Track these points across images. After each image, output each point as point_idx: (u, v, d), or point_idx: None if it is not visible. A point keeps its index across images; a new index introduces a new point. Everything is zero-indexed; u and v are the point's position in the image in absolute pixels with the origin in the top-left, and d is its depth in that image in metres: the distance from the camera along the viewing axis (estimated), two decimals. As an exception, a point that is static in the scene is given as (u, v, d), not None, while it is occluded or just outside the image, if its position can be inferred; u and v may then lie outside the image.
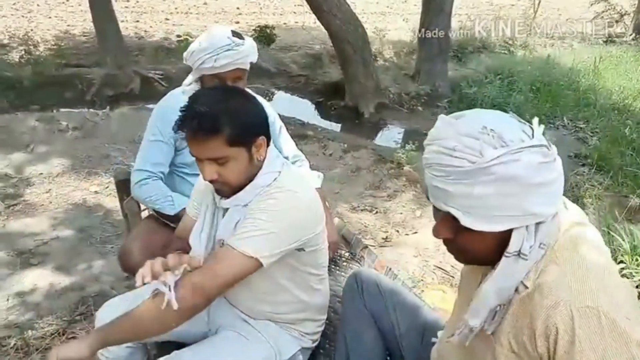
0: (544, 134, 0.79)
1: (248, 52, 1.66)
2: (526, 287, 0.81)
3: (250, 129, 1.17)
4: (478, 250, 0.83)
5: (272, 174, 1.22)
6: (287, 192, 1.19)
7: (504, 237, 0.79)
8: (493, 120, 0.78)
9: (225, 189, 1.19)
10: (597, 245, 0.83)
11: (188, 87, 1.73)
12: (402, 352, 1.23)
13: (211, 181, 1.16)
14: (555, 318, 0.74)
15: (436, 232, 0.85)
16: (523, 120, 0.80)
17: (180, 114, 1.12)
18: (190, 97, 1.17)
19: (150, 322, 1.09)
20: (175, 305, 1.05)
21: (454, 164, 0.76)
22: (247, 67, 1.69)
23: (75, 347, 1.04)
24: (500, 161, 0.73)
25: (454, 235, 0.83)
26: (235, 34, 1.68)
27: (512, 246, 0.79)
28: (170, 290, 1.07)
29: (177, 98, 1.71)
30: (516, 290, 0.82)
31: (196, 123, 1.09)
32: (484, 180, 0.74)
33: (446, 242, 0.86)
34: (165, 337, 1.36)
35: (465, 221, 0.78)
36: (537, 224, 0.78)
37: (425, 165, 0.82)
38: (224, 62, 1.62)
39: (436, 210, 0.84)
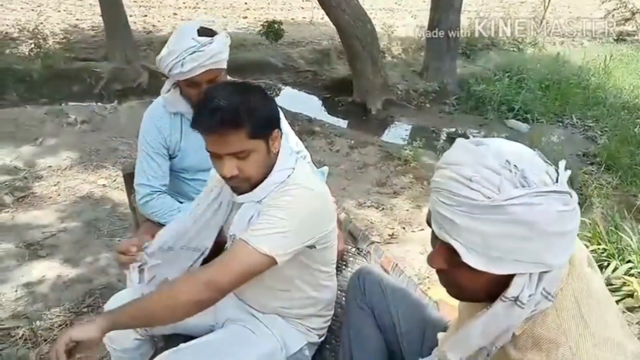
0: (567, 176, 0.73)
1: (217, 51, 1.54)
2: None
3: (268, 122, 1.17)
4: (470, 288, 0.78)
5: (287, 170, 1.22)
6: (303, 189, 1.18)
7: (501, 280, 0.73)
8: (517, 155, 0.71)
9: (244, 185, 1.19)
10: (600, 297, 0.77)
11: (167, 95, 1.69)
12: (403, 352, 1.22)
13: (230, 178, 1.15)
14: None
15: (431, 262, 0.79)
16: (548, 161, 0.74)
17: (196, 110, 1.12)
18: (204, 94, 1.16)
19: (160, 311, 1.09)
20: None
21: (468, 195, 0.70)
22: (221, 65, 1.58)
23: (86, 328, 1.05)
24: (519, 202, 0.67)
25: (449, 267, 0.77)
26: (203, 31, 1.57)
27: (511, 291, 0.73)
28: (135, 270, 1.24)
29: (160, 109, 1.71)
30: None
31: (218, 118, 1.08)
32: (496, 219, 0.68)
33: (439, 272, 0.81)
34: (172, 330, 1.38)
35: (468, 258, 0.71)
36: (542, 272, 0.72)
37: (434, 190, 0.75)
38: (190, 67, 1.53)
39: (434, 237, 0.78)
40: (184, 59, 1.53)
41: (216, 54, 1.54)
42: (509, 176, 0.68)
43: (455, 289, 0.81)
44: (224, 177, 1.16)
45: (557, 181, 0.70)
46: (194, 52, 1.52)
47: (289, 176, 1.21)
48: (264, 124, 1.15)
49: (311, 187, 1.20)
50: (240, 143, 1.12)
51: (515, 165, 0.69)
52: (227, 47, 1.62)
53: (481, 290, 0.76)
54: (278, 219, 1.12)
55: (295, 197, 1.16)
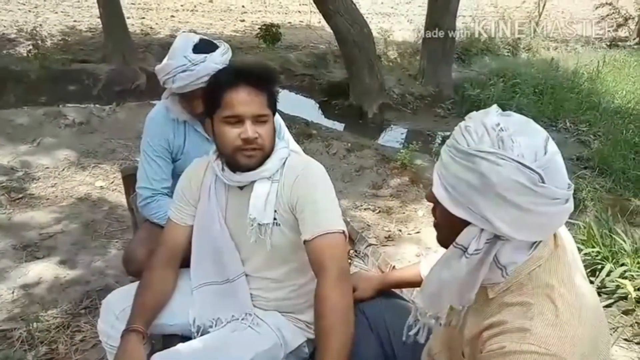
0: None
1: (210, 70, 1.51)
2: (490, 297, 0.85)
3: (276, 99, 1.27)
4: (444, 227, 0.88)
5: (285, 149, 1.30)
6: (311, 162, 1.31)
7: (461, 229, 0.82)
8: (515, 126, 0.78)
9: (258, 155, 1.23)
10: (581, 289, 0.82)
11: (167, 100, 1.72)
12: (395, 353, 1.23)
13: (252, 141, 1.20)
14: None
15: (427, 194, 0.90)
16: (552, 150, 0.78)
17: (227, 74, 1.22)
18: (230, 63, 1.36)
19: (346, 329, 1.11)
20: None
21: (458, 140, 0.81)
22: None
23: None
24: (486, 157, 0.76)
25: (436, 202, 0.87)
26: (200, 47, 1.57)
27: (461, 238, 0.82)
28: None
29: (163, 113, 1.73)
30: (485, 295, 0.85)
31: (256, 75, 1.20)
32: (465, 164, 0.78)
33: (433, 211, 0.91)
34: (170, 330, 1.38)
35: (437, 190, 0.83)
36: (497, 237, 0.79)
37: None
38: (180, 84, 1.56)
39: None
40: (174, 76, 1.56)
41: (208, 73, 1.51)
42: (492, 135, 0.77)
43: (436, 227, 0.92)
44: (246, 140, 1.19)
45: (535, 161, 0.75)
46: (184, 70, 1.55)
47: (288, 153, 1.30)
48: (274, 99, 1.26)
49: (311, 160, 1.34)
50: (264, 106, 1.22)
51: (502, 129, 0.77)
52: (226, 62, 1.61)
53: (449, 231, 0.85)
54: (324, 197, 1.23)
55: (316, 170, 1.28)
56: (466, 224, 0.81)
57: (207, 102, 1.25)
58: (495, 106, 0.85)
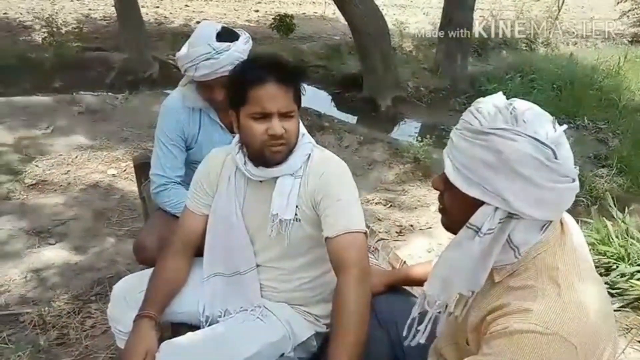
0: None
1: (233, 58, 1.52)
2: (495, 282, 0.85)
3: (301, 94, 1.24)
4: (455, 211, 0.87)
5: (309, 143, 1.29)
6: (336, 159, 1.31)
7: (474, 209, 0.82)
8: (525, 106, 0.80)
9: (284, 150, 1.22)
10: (585, 275, 0.82)
11: (184, 88, 1.71)
12: (404, 350, 1.21)
13: (278, 137, 1.18)
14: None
15: (433, 181, 0.91)
16: (560, 129, 0.80)
17: (255, 65, 1.19)
18: (255, 56, 1.29)
19: (362, 327, 1.11)
20: None
21: (469, 121, 0.81)
22: None
23: None
24: (500, 134, 0.76)
25: (444, 189, 0.87)
26: (224, 35, 1.57)
27: (474, 219, 0.82)
28: None
29: (179, 101, 1.71)
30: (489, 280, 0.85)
31: (284, 71, 1.17)
32: (478, 143, 0.79)
33: (439, 198, 0.91)
34: (179, 319, 1.38)
35: (449, 173, 0.83)
36: (511, 216, 0.79)
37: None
38: (203, 72, 1.54)
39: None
40: (197, 64, 1.54)
41: (232, 61, 1.52)
42: (504, 113, 0.79)
43: (444, 214, 0.91)
44: (273, 136, 1.17)
45: (547, 137, 0.76)
46: (208, 59, 1.53)
47: (312, 149, 1.28)
48: (300, 93, 1.23)
49: (335, 156, 1.32)
50: (290, 102, 1.19)
51: (514, 108, 0.79)
52: (247, 52, 1.60)
53: (462, 215, 0.84)
54: (348, 195, 1.22)
55: (340, 168, 1.28)
56: (479, 205, 0.81)
57: (232, 96, 1.22)
58: (500, 93, 0.86)
